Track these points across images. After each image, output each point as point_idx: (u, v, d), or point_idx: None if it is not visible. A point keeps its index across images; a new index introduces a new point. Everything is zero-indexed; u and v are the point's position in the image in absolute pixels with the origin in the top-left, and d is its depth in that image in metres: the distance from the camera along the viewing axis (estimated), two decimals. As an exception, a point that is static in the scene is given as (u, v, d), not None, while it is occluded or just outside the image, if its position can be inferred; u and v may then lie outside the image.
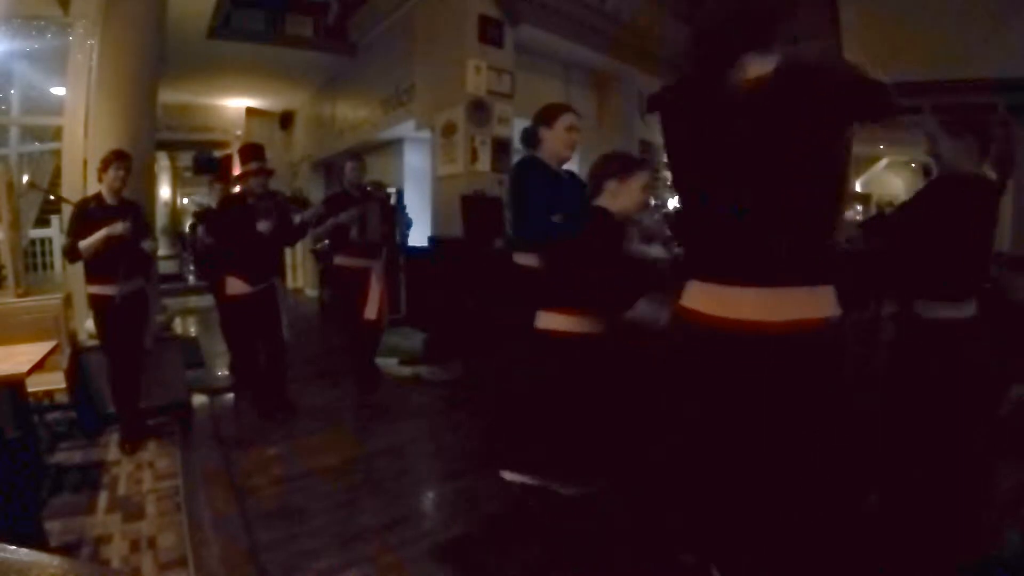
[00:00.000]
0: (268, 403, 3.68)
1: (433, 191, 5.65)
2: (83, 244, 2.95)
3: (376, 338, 4.27)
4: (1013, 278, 5.50)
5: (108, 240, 2.95)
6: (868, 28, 7.76)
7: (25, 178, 4.77)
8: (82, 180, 3.68)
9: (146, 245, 3.19)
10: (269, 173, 3.66)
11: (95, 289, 3.09)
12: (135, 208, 3.18)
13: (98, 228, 2.95)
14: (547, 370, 2.00)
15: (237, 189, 3.70)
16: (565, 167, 2.61)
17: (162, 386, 3.60)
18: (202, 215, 4.77)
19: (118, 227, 2.96)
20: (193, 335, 6.17)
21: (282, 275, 4.04)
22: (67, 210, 3.47)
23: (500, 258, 3.21)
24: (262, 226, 3.41)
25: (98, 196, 3.10)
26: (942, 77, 7.37)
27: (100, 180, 3.09)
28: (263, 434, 3.43)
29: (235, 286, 3.52)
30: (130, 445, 3.07)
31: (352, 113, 7.45)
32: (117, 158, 3.07)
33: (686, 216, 1.42)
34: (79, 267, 3.20)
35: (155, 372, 3.58)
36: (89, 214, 3.02)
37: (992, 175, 2.02)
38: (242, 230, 3.44)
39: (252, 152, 3.63)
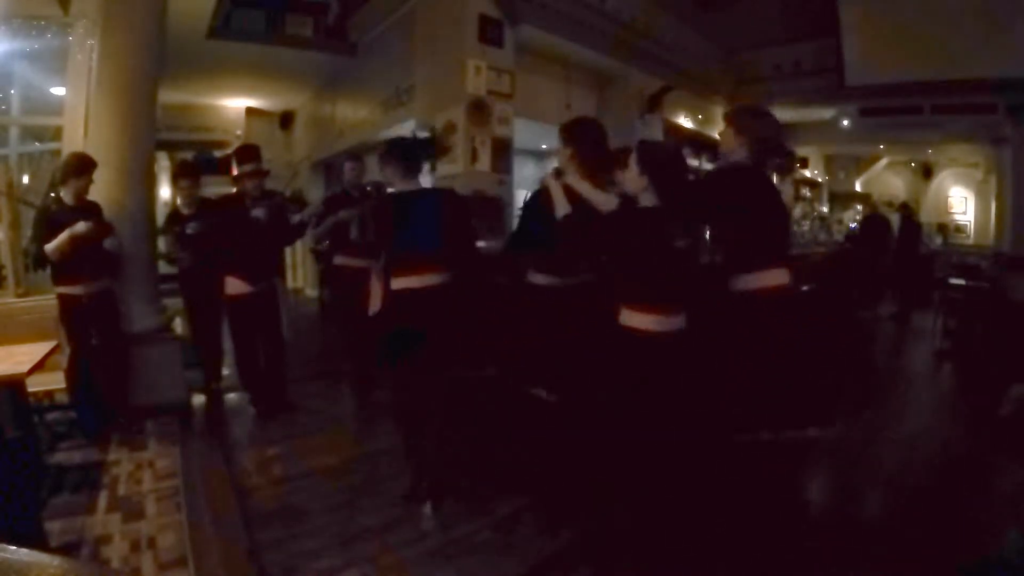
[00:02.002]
0: (268, 403, 3.68)
1: (433, 191, 5.64)
2: (49, 247, 2.99)
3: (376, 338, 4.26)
4: (1013, 278, 5.52)
5: (73, 240, 2.98)
6: (868, 28, 7.77)
7: (25, 179, 4.76)
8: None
9: (108, 243, 3.21)
10: (264, 174, 3.66)
11: (62, 290, 3.14)
12: (96, 208, 3.24)
13: (62, 231, 2.98)
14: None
15: (234, 190, 3.69)
16: None
17: (162, 386, 3.60)
18: (172, 222, 4.06)
19: (80, 227, 2.98)
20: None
21: (282, 275, 4.03)
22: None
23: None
24: (257, 211, 3.43)
25: (58, 199, 3.15)
26: (942, 77, 7.38)
27: (64, 184, 3.13)
28: (263, 434, 3.44)
29: (235, 286, 3.52)
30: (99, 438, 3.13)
31: (352, 113, 7.44)
32: (90, 167, 3.15)
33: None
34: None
35: (155, 372, 3.59)
36: (53, 218, 3.05)
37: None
38: (241, 231, 3.44)
39: (248, 154, 3.63)
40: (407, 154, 2.52)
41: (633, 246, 1.95)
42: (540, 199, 2.41)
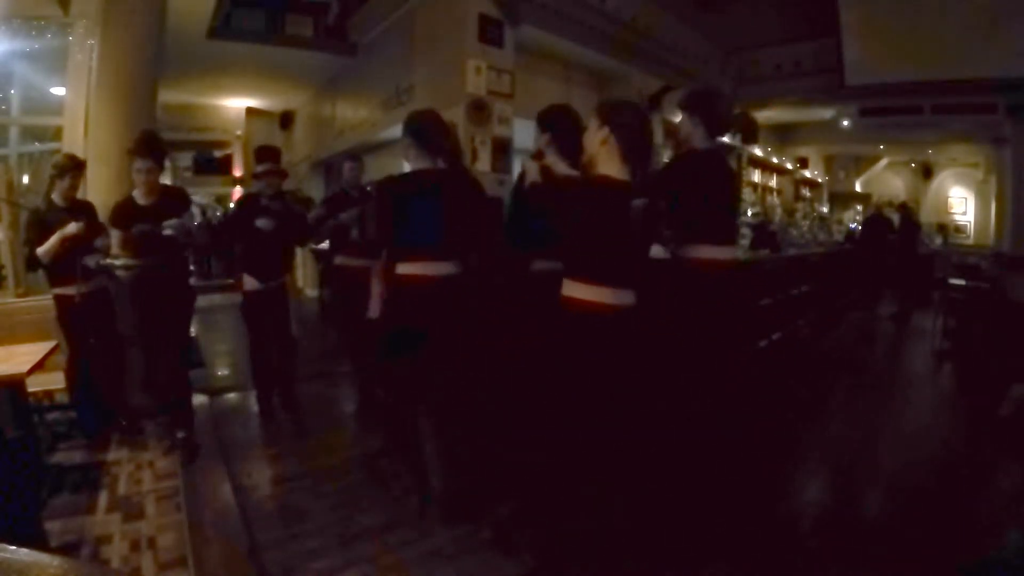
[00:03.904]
0: (270, 402, 3.68)
1: (433, 191, 5.64)
2: (40, 250, 2.98)
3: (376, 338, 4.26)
4: (1013, 278, 5.51)
5: (64, 242, 2.97)
6: (868, 28, 7.77)
7: (25, 179, 4.76)
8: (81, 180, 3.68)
9: (98, 243, 3.16)
10: (283, 175, 3.68)
11: (57, 291, 3.14)
12: (88, 208, 3.23)
13: (53, 233, 2.97)
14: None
15: (237, 189, 3.69)
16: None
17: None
18: (123, 216, 2.96)
19: (71, 227, 2.97)
20: (193, 335, 6.16)
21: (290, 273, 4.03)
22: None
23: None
24: (261, 222, 3.41)
25: (49, 201, 3.14)
26: (942, 77, 7.38)
27: (53, 185, 3.13)
28: (263, 434, 3.44)
29: (248, 282, 3.55)
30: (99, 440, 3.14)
31: (352, 113, 7.44)
32: (78, 167, 3.14)
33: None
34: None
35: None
36: (43, 220, 3.04)
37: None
38: (249, 228, 3.45)
39: (264, 154, 3.65)
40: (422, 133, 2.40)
41: (587, 217, 1.87)
42: (523, 182, 2.46)
